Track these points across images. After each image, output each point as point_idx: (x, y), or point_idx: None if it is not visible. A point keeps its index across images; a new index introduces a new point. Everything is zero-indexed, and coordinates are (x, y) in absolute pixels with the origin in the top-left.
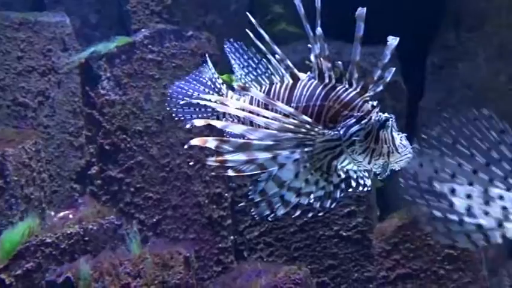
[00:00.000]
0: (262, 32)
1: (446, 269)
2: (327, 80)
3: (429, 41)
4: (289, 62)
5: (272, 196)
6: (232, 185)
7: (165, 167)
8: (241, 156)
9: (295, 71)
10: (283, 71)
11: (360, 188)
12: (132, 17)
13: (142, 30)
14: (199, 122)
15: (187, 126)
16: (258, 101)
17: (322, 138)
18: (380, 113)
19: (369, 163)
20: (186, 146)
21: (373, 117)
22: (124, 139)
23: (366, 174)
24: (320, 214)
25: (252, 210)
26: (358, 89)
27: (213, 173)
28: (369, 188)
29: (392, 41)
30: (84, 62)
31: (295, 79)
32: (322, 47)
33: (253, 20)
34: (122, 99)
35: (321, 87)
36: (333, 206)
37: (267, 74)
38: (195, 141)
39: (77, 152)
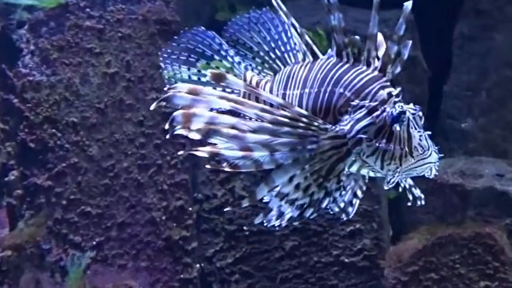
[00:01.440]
0: (279, 2)
1: None
2: (344, 59)
3: (458, 4)
4: (308, 38)
5: (261, 201)
6: (197, 195)
7: (108, 172)
8: (235, 150)
9: (315, 48)
10: (305, 48)
11: (418, 202)
12: None
13: None
14: (179, 117)
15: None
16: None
17: (325, 134)
18: (400, 104)
19: (382, 168)
20: (168, 136)
21: (387, 109)
22: (53, 134)
23: (411, 182)
24: (296, 223)
25: (261, 215)
26: (375, 72)
27: (207, 167)
28: (423, 202)
29: (408, 5)
30: None
31: (315, 58)
32: (338, 18)
33: None
34: (50, 81)
35: (335, 68)
36: (312, 217)
37: (294, 51)
38: (180, 130)
39: None
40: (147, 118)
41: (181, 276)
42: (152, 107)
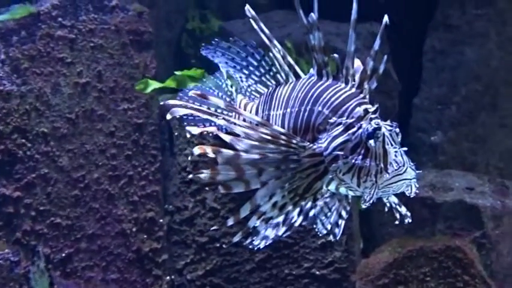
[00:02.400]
0: (262, 25)
1: None
2: (324, 78)
3: (428, 18)
4: (290, 59)
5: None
6: (169, 207)
7: (78, 183)
8: (231, 170)
9: (297, 68)
10: (287, 69)
11: (406, 220)
12: None
13: None
14: (195, 130)
15: (188, 135)
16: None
17: (304, 152)
18: (376, 120)
19: (358, 185)
20: (189, 158)
21: (363, 126)
22: (23, 145)
23: (396, 200)
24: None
25: (239, 234)
26: (353, 89)
27: (206, 188)
28: (410, 220)
29: (383, 20)
30: None
31: (298, 78)
32: (318, 38)
33: (251, 13)
34: (20, 91)
35: (315, 87)
36: (285, 235)
37: (271, 73)
38: (197, 150)
39: None
40: (118, 129)
41: None
42: (168, 117)
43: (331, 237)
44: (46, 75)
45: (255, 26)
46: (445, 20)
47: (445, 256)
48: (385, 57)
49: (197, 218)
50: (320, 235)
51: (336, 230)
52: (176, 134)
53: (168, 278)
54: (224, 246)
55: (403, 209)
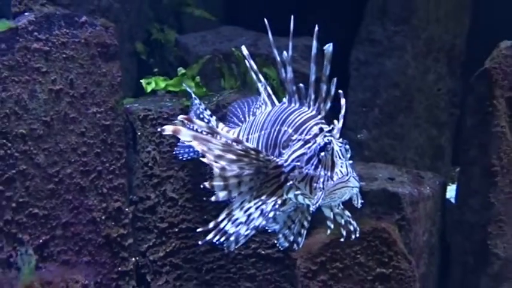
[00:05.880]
0: (252, 63)
1: None
2: (292, 104)
3: (354, 32)
4: (270, 90)
5: (220, 224)
6: (133, 197)
7: (53, 178)
8: (221, 181)
9: (273, 97)
10: (266, 98)
11: (353, 236)
12: None
13: (26, 13)
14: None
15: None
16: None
17: (270, 164)
18: (328, 137)
19: (310, 193)
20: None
21: (318, 141)
22: (3, 144)
23: (347, 214)
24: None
25: (212, 234)
26: (313, 111)
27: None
28: (358, 235)
29: (329, 48)
30: None
31: (273, 106)
32: (290, 72)
33: (245, 52)
34: (1, 97)
35: (284, 111)
36: (248, 234)
37: (259, 103)
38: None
39: None
40: (88, 130)
41: (119, 268)
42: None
43: (294, 246)
44: (24, 82)
45: (247, 64)
46: (368, 35)
47: (373, 236)
48: (335, 80)
49: (158, 207)
50: (281, 248)
51: (299, 239)
52: (139, 133)
53: (133, 259)
54: (200, 243)
55: (354, 224)
